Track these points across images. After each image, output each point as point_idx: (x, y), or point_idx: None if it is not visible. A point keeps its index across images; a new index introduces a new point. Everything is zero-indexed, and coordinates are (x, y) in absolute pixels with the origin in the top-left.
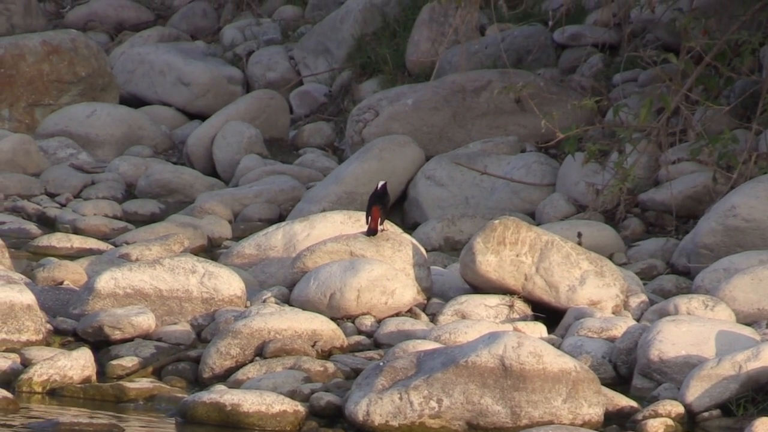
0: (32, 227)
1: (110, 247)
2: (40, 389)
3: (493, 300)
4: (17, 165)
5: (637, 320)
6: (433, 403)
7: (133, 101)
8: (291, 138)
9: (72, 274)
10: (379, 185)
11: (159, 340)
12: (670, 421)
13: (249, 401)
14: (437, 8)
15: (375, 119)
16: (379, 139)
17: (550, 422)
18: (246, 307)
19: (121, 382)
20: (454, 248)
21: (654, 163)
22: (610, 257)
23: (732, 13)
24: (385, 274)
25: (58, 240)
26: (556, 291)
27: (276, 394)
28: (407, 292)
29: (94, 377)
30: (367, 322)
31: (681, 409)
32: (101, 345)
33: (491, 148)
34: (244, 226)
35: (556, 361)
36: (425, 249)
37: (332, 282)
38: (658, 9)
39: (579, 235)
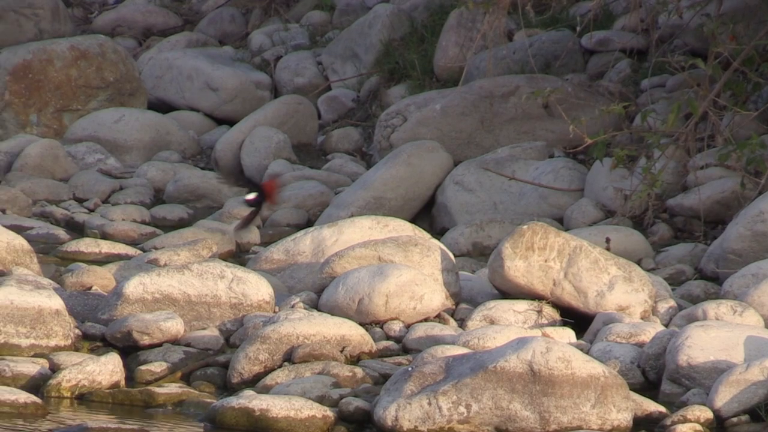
0: (60, 232)
1: (138, 252)
2: (68, 394)
3: (522, 305)
4: (45, 170)
5: (666, 326)
6: (462, 409)
7: (161, 106)
8: (319, 143)
9: (100, 279)
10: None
11: (187, 345)
12: (698, 427)
13: (278, 406)
14: (465, 13)
15: (403, 124)
16: (408, 145)
17: (579, 427)
18: (274, 312)
19: (149, 387)
20: (482, 253)
21: (682, 169)
22: (639, 262)
23: (760, 18)
24: (413, 279)
25: (87, 245)
26: (584, 296)
27: (305, 399)
28: (436, 298)
29: (122, 382)
30: (396, 327)
31: (710, 415)
32: (130, 350)
33: (519, 153)
34: (272, 231)
35: (584, 366)
36: (454, 254)
37: (361, 287)
38: (685, 14)
39: (607, 240)
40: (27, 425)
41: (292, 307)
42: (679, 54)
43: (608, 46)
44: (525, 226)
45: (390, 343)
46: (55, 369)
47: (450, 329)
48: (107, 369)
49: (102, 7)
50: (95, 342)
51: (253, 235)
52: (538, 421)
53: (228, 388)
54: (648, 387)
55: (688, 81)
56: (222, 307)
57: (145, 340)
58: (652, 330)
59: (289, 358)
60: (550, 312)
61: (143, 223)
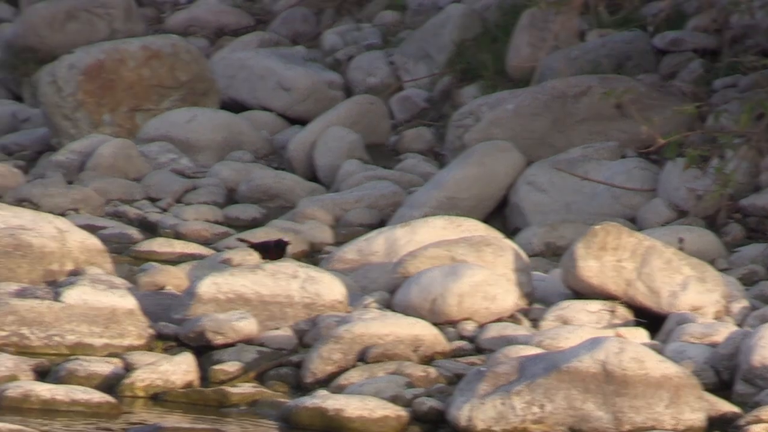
0: (134, 232)
1: (212, 252)
2: (142, 394)
3: (595, 305)
4: (118, 170)
5: (739, 326)
6: (536, 409)
7: (234, 106)
8: (392, 143)
9: (173, 278)
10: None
11: (261, 344)
12: None
13: (351, 406)
14: (537, 13)
15: (476, 125)
16: (480, 145)
17: (653, 428)
18: (348, 312)
19: (223, 387)
20: (555, 254)
21: (755, 169)
22: (712, 263)
23: None
24: (486, 279)
25: (160, 245)
26: (657, 296)
27: (378, 399)
28: (509, 298)
29: (196, 382)
30: (469, 327)
31: None
32: (203, 350)
33: (592, 153)
34: (345, 231)
35: (658, 366)
36: (526, 254)
37: (434, 287)
38: (758, 14)
39: (680, 240)
40: (101, 425)
41: (366, 306)
42: (751, 54)
43: (680, 46)
44: (598, 227)
45: (463, 343)
46: (128, 368)
47: (523, 329)
48: (181, 369)
49: (174, 7)
50: (169, 342)
51: (326, 234)
52: (611, 422)
53: (301, 388)
54: (721, 387)
55: (761, 81)
56: (295, 307)
57: (219, 340)
58: (725, 330)
59: (362, 357)
60: (623, 312)
61: (216, 223)
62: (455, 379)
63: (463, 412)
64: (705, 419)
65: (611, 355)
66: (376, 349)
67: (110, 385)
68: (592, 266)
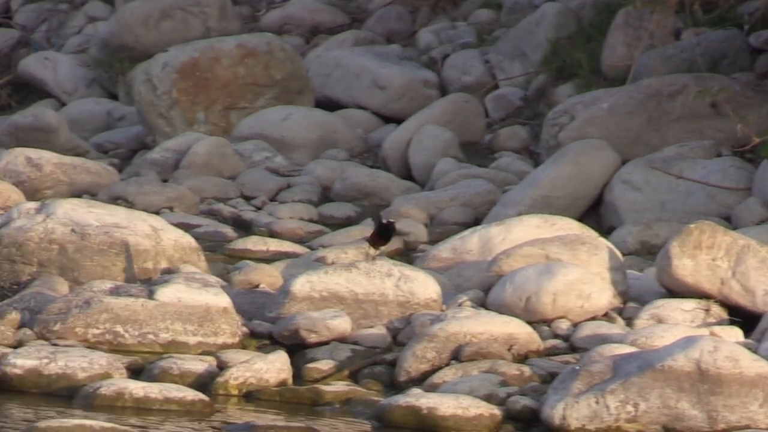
0: (228, 230)
1: (306, 250)
2: (236, 392)
3: (689, 304)
4: (213, 168)
5: None
6: (630, 408)
7: (329, 104)
8: (486, 142)
9: (268, 277)
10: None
11: (355, 343)
12: None
13: (445, 405)
14: (632, 12)
15: (571, 123)
16: (575, 143)
17: (747, 426)
18: (442, 310)
19: (317, 386)
20: (650, 252)
21: None
22: None
23: None
24: (581, 277)
25: (254, 243)
26: (752, 295)
27: (472, 397)
28: (603, 296)
29: (290, 380)
30: (563, 325)
31: None
32: (297, 348)
33: (687, 152)
34: (439, 230)
35: (752, 365)
36: (621, 253)
37: (528, 286)
38: None
39: None
40: (195, 423)
41: (460, 305)
42: None
43: None
44: (693, 225)
45: (557, 342)
46: (222, 367)
47: (617, 328)
48: (275, 367)
49: (269, 5)
50: (262, 340)
51: (421, 232)
52: (705, 420)
53: (395, 387)
54: None
55: None
56: (389, 305)
57: (313, 338)
58: None
59: (456, 356)
60: (717, 311)
61: (310, 221)
62: (549, 378)
63: (556, 410)
64: None
65: (705, 354)
66: (470, 348)
67: (204, 383)
68: (686, 265)
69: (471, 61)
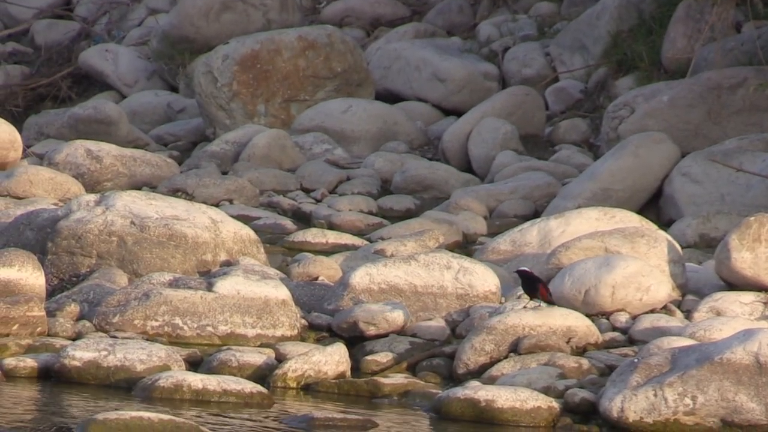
0: (287, 222)
1: (365, 242)
2: (294, 384)
3: (748, 297)
4: (273, 160)
5: None
6: (688, 400)
7: (389, 97)
8: (546, 134)
9: (327, 269)
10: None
11: (413, 335)
12: None
13: (503, 397)
14: (693, 5)
15: (631, 116)
16: (635, 136)
17: None
18: (500, 303)
19: (375, 378)
20: (709, 245)
21: None
22: None
23: None
24: (640, 270)
25: (313, 235)
26: None
27: (530, 390)
28: (662, 289)
29: (348, 373)
30: (622, 318)
31: None
32: (355, 340)
33: (747, 145)
34: (499, 222)
35: None
36: (680, 245)
37: (587, 278)
38: None
39: None
40: (253, 415)
41: (519, 297)
42: None
43: None
44: (752, 218)
45: (616, 334)
46: (281, 359)
47: (676, 321)
48: (333, 359)
49: None
50: (321, 332)
51: (480, 225)
52: (764, 413)
53: (453, 379)
54: None
55: None
56: (448, 297)
57: (371, 331)
58: None
59: (514, 349)
60: None
61: (370, 213)
62: (607, 371)
63: (615, 403)
64: None
65: (764, 347)
66: (529, 340)
67: (262, 375)
68: (745, 258)
69: (531, 53)
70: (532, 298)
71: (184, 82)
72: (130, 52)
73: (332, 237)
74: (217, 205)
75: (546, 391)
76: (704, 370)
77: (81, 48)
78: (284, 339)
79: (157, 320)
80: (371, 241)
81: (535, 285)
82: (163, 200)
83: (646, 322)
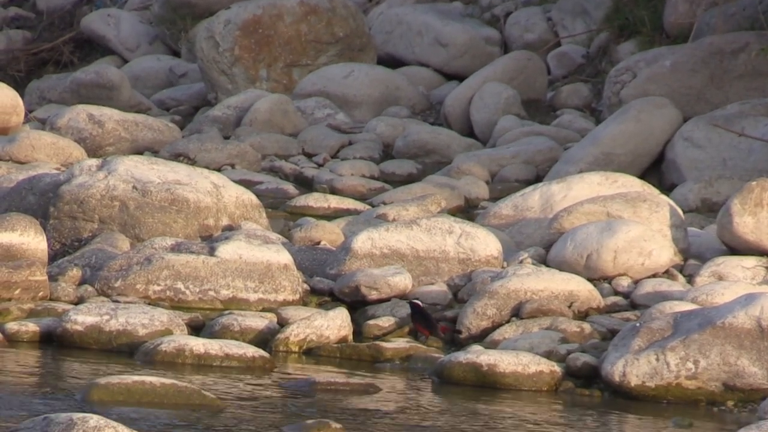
0: (289, 187)
1: (367, 207)
2: (296, 349)
3: (750, 261)
4: (275, 125)
5: None
6: (690, 365)
7: (391, 62)
8: (548, 99)
9: (329, 234)
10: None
11: (415, 299)
12: None
13: (505, 362)
14: None
15: (632, 81)
16: (637, 101)
17: None
18: (502, 267)
19: (377, 342)
20: (711, 210)
21: None
22: None
23: None
24: (642, 235)
25: (315, 200)
26: None
27: (532, 354)
28: (664, 254)
29: (350, 337)
30: (624, 283)
31: None
32: (357, 305)
33: (749, 109)
34: (501, 187)
35: None
36: (682, 210)
37: (589, 243)
38: None
39: None
40: (255, 379)
41: (521, 262)
42: None
43: None
44: (754, 183)
45: (618, 299)
46: (282, 323)
47: (678, 285)
48: (335, 324)
49: None
50: (323, 297)
51: (482, 190)
52: (766, 377)
53: (455, 343)
54: None
55: None
56: (450, 262)
57: (373, 295)
58: None
59: (516, 313)
60: None
61: (372, 178)
62: (609, 335)
63: (617, 367)
64: None
65: (766, 311)
66: (531, 305)
67: (264, 339)
68: (747, 222)
69: (533, 18)
70: (431, 333)
71: (186, 47)
72: (132, 16)
73: (334, 201)
74: (219, 170)
75: (548, 355)
76: (706, 335)
77: (83, 13)
78: (286, 303)
79: (159, 285)
80: (373, 206)
81: (432, 321)
82: (165, 165)
83: (648, 287)
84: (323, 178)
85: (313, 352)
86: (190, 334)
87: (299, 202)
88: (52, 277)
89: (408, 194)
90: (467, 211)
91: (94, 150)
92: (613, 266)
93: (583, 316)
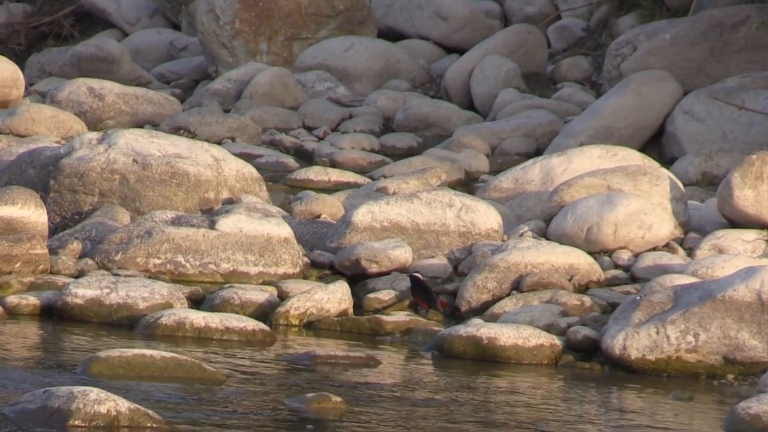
0: (290, 160)
1: (367, 180)
2: (296, 322)
3: (751, 234)
4: (275, 98)
5: None
6: (690, 338)
7: (391, 35)
8: (548, 72)
9: (329, 207)
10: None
11: (415, 272)
12: None
13: (506, 335)
14: None
15: (633, 54)
16: (637, 74)
17: None
18: (503, 240)
19: (377, 316)
20: (711, 183)
21: None
22: None
23: None
24: (642, 208)
25: (316, 173)
26: None
27: (533, 327)
28: (664, 227)
29: (350, 310)
30: (624, 256)
31: None
32: (358, 278)
33: (749, 83)
34: (501, 160)
35: None
36: (682, 183)
37: (589, 216)
38: None
39: None
40: (256, 353)
41: (521, 235)
42: None
43: None
44: (754, 156)
45: (618, 272)
46: (283, 297)
47: (678, 258)
48: (335, 297)
49: None
50: (323, 270)
51: (482, 163)
52: (766, 350)
53: (456, 317)
54: None
55: None
56: (450, 235)
57: (374, 268)
58: None
59: (517, 286)
60: None
61: (372, 151)
62: (610, 308)
63: (617, 341)
64: None
65: (766, 284)
66: (531, 278)
67: (264, 313)
68: (748, 195)
69: None
70: (430, 307)
71: (187, 20)
72: None
73: (334, 175)
74: (219, 143)
75: (548, 328)
76: (706, 308)
77: None
78: (286, 277)
79: (159, 258)
80: (373, 179)
81: (432, 295)
82: (166, 138)
83: (649, 260)
84: (323, 152)
85: (313, 326)
86: (191, 307)
87: (299, 176)
88: (53, 251)
89: (408, 167)
90: (467, 184)
91: (94, 123)
92: (614, 239)
93: (583, 289)
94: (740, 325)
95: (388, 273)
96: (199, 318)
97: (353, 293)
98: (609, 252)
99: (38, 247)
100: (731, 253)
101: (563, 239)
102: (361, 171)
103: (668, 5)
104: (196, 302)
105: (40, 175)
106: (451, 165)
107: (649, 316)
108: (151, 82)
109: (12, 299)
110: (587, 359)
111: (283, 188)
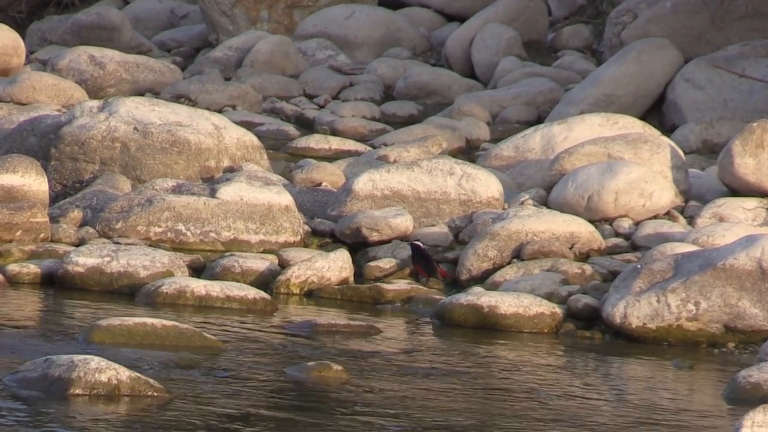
0: (290, 128)
1: (368, 148)
2: (297, 290)
3: (751, 203)
4: (276, 66)
5: None
6: (691, 306)
7: (392, 3)
8: (549, 40)
9: (330, 175)
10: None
11: (416, 241)
12: None
13: (506, 303)
14: None
15: (633, 22)
16: (638, 42)
17: None
18: (503, 209)
19: (378, 284)
20: (712, 151)
21: None
22: None
23: None
24: (643, 176)
25: (316, 141)
26: None
27: (533, 296)
28: (665, 195)
29: (351, 279)
30: (625, 224)
31: None
32: (359, 246)
33: (750, 51)
34: (502, 128)
35: None
36: (683, 151)
37: (590, 184)
38: None
39: None
40: (256, 321)
41: (522, 203)
42: None
43: None
44: (755, 124)
45: (619, 240)
46: (284, 265)
47: (679, 226)
48: (336, 265)
49: None
50: (324, 238)
51: (483, 131)
52: (767, 319)
53: (457, 285)
54: None
55: None
56: (451, 203)
57: (374, 237)
58: None
59: (518, 254)
60: None
61: (373, 119)
62: (610, 277)
63: (618, 309)
64: None
65: (767, 253)
66: (532, 246)
67: (265, 281)
68: (748, 163)
69: None
70: (430, 276)
71: None
72: None
73: (335, 143)
74: (220, 111)
75: (549, 297)
76: (707, 276)
77: None
78: (287, 245)
79: (160, 226)
80: (374, 147)
81: (432, 264)
82: (166, 106)
83: (649, 228)
84: (324, 120)
85: (314, 294)
86: (191, 275)
87: (300, 144)
88: (53, 219)
89: (409, 135)
90: (468, 152)
91: (95, 91)
92: (614, 208)
93: (584, 257)
94: (741, 294)
95: (388, 241)
96: (199, 286)
97: (354, 261)
98: (610, 220)
99: (39, 216)
100: (732, 222)
101: (564, 207)
102: (362, 139)
103: None
104: (197, 270)
105: (41, 143)
106: (451, 133)
107: (649, 285)
108: (151, 50)
109: (13, 267)
110: (588, 328)
111: (284, 156)
